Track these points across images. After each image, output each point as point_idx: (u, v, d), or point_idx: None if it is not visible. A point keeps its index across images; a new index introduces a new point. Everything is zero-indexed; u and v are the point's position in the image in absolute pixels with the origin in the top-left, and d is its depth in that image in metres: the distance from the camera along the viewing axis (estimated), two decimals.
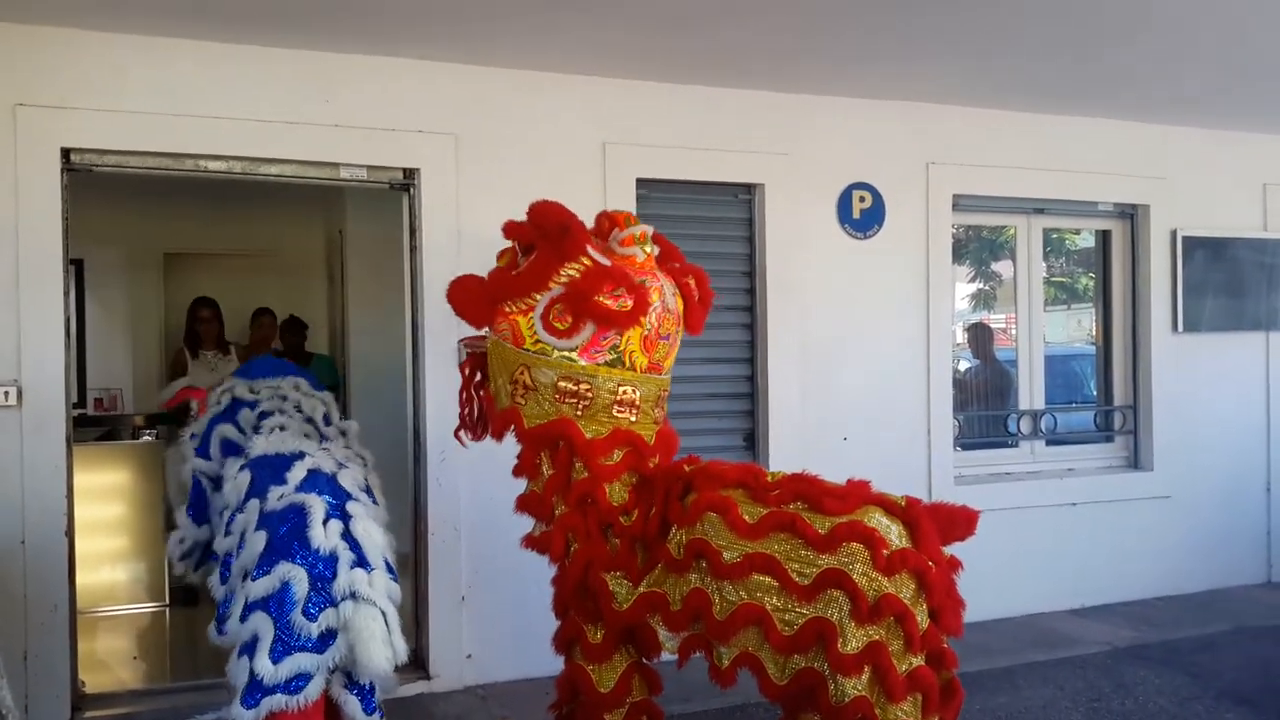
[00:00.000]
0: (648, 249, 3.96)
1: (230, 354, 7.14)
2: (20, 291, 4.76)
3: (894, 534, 3.40)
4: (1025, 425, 7.05)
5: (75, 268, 6.03)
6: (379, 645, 3.35)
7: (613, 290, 3.74)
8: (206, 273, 8.76)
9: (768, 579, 3.42)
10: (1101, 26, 5.22)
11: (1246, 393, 7.46)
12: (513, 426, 3.91)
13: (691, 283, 4.09)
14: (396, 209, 5.62)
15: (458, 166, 5.47)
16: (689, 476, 3.76)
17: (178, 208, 8.35)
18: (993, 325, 8.26)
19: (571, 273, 3.75)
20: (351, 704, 3.54)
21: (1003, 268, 7.78)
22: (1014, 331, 7.16)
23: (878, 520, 3.42)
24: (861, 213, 6.37)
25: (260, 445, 4.09)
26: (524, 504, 4.00)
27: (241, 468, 4.01)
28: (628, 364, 3.83)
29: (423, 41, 5.19)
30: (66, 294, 4.90)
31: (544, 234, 3.82)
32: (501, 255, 4.01)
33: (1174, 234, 7.17)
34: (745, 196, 6.19)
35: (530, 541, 4.02)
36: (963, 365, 7.62)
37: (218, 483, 4.41)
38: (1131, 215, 7.24)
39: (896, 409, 6.46)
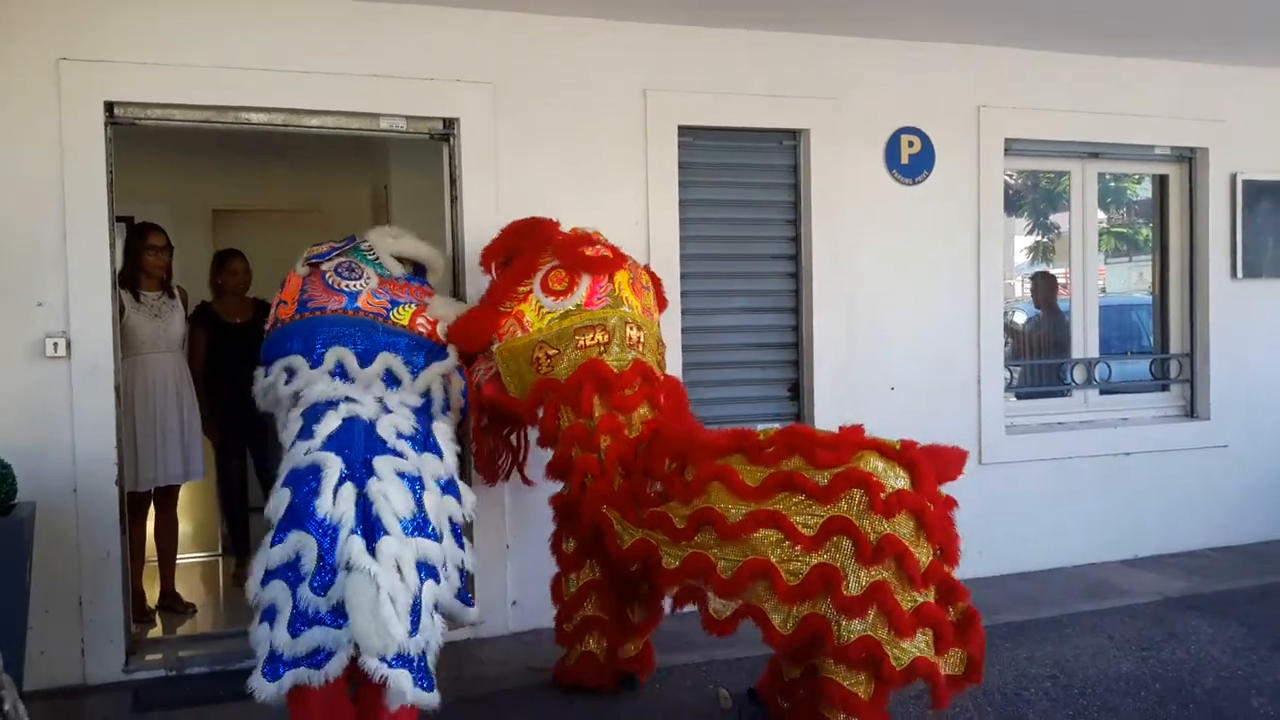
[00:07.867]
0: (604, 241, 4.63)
1: (175, 298, 5.82)
2: (68, 245, 4.80)
3: (891, 477, 3.48)
4: (1079, 374, 6.92)
5: (124, 224, 6.09)
6: (365, 617, 3.08)
7: (592, 244, 4.47)
8: (253, 228, 8.80)
9: (772, 533, 3.51)
10: None
11: None
12: (550, 392, 4.27)
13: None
14: (439, 162, 5.59)
15: (496, 115, 5.42)
16: (683, 450, 3.86)
17: (224, 164, 8.40)
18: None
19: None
20: (397, 678, 3.21)
21: (1061, 219, 7.59)
22: None
23: (874, 465, 3.50)
24: (910, 158, 6.24)
25: (316, 391, 4.06)
26: (554, 468, 4.43)
27: (300, 415, 3.94)
28: (626, 306, 4.38)
29: None
30: (112, 248, 4.94)
31: (519, 233, 4.59)
32: None
33: (1234, 177, 6.97)
34: (790, 143, 6.08)
35: (557, 499, 4.48)
36: (1019, 316, 7.50)
37: None
38: (1190, 159, 7.05)
39: (946, 358, 6.35)
